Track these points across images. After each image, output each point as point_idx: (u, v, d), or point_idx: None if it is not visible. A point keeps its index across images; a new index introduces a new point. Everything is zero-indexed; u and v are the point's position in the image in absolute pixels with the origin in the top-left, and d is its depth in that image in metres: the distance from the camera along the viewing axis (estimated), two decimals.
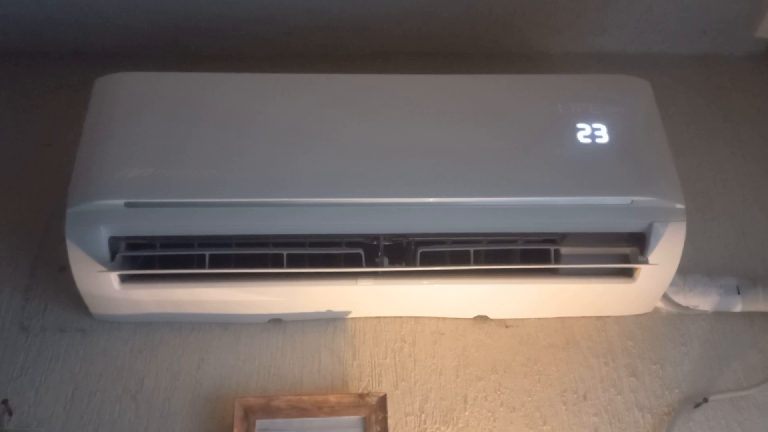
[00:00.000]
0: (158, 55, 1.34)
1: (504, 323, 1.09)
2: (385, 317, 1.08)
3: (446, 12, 1.33)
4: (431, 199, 0.96)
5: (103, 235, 0.94)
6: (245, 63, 1.14)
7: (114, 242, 0.95)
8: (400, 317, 1.09)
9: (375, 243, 0.98)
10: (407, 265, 0.98)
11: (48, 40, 1.34)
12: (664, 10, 1.36)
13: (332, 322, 1.07)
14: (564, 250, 1.00)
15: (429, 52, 1.38)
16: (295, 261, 0.97)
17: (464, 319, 1.09)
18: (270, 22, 1.33)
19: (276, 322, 1.07)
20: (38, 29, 1.32)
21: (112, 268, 0.95)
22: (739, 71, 1.42)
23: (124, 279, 0.98)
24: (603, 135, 1.02)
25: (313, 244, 0.98)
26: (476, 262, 0.99)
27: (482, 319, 1.09)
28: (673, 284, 1.06)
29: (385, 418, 0.96)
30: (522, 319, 1.09)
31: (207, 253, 0.96)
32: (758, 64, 1.44)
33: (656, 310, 1.11)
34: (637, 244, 0.99)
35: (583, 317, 1.10)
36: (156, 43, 1.34)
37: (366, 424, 0.96)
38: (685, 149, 1.18)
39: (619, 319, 1.10)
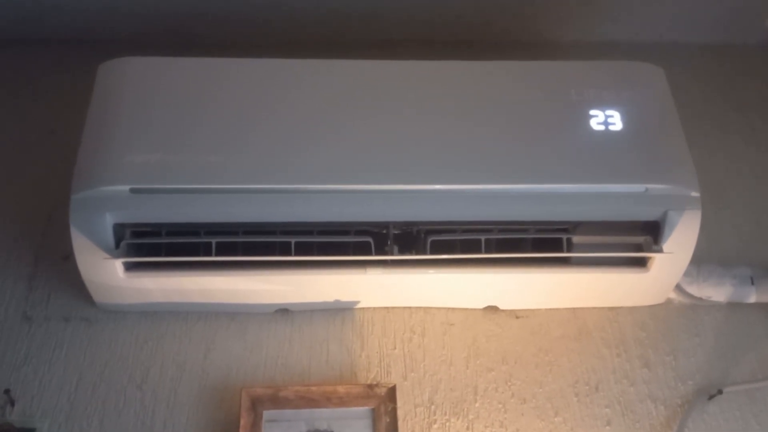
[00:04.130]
0: (163, 42, 1.30)
1: (515, 314, 1.07)
2: (394, 307, 1.07)
3: (454, 0, 1.32)
4: (442, 186, 0.95)
5: (108, 222, 0.92)
6: (251, 51, 1.12)
7: (119, 229, 0.94)
8: (409, 307, 1.07)
9: (384, 231, 0.97)
10: (417, 254, 0.97)
11: (51, 27, 1.33)
12: None
13: (340, 312, 1.06)
14: (576, 239, 0.98)
15: (438, 41, 1.36)
16: (303, 249, 0.95)
17: (474, 309, 1.07)
18: (277, 9, 1.31)
19: (283, 312, 1.05)
20: (41, 16, 1.31)
21: (116, 256, 0.93)
22: (752, 60, 1.41)
23: (129, 267, 0.97)
24: (616, 122, 1.00)
25: (321, 233, 0.96)
26: (487, 251, 0.97)
27: (492, 309, 1.07)
28: (686, 274, 1.05)
29: (394, 409, 0.94)
30: (533, 310, 1.08)
31: (213, 240, 0.94)
32: None
33: (669, 300, 1.09)
34: (651, 232, 0.98)
35: (595, 308, 1.08)
36: (161, 31, 1.32)
37: (375, 415, 0.95)
38: (697, 138, 1.16)
39: (631, 310, 1.08)
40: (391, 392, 0.95)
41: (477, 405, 0.99)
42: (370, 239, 0.96)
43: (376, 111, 1.00)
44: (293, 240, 0.95)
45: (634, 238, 0.99)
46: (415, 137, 0.97)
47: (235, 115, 0.98)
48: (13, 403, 0.95)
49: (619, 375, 1.03)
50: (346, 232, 0.96)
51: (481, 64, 1.06)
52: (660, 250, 0.97)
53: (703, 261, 1.09)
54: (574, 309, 1.08)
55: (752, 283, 1.08)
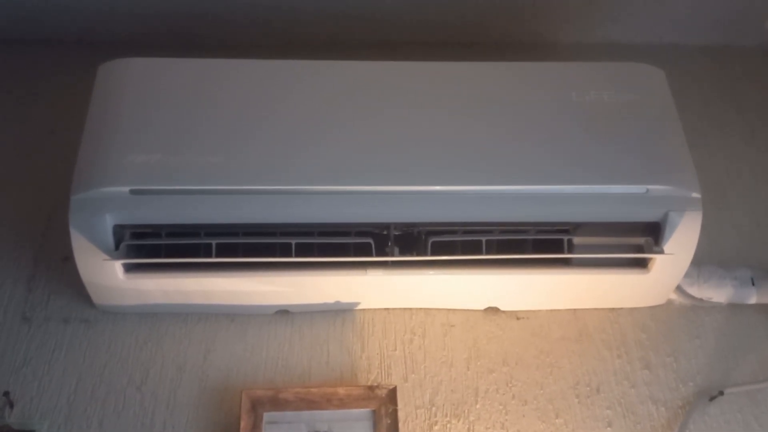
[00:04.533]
0: (163, 43, 1.31)
1: (515, 315, 1.07)
2: (394, 309, 1.07)
3: (455, 1, 1.31)
4: (442, 188, 0.94)
5: (108, 223, 0.92)
6: (251, 52, 1.12)
7: (119, 231, 0.93)
8: (410, 309, 1.07)
9: (385, 233, 0.96)
10: (418, 255, 0.96)
11: (51, 27, 1.32)
12: (676, 0, 1.34)
13: (341, 313, 1.06)
14: (577, 240, 0.98)
15: (437, 42, 1.36)
16: (304, 251, 0.95)
17: (475, 310, 1.07)
18: (277, 10, 1.31)
19: (283, 313, 1.05)
20: (41, 16, 1.30)
21: (116, 257, 0.93)
22: (751, 63, 1.41)
23: (129, 268, 0.96)
24: (617, 123, 1.00)
25: (322, 234, 0.96)
26: (488, 253, 0.97)
27: (493, 310, 1.07)
28: (687, 276, 1.04)
29: (395, 411, 0.94)
30: (534, 311, 1.08)
31: (214, 242, 0.94)
32: None
33: (670, 302, 1.09)
34: (652, 234, 0.98)
35: (596, 309, 1.08)
36: (161, 31, 1.32)
37: (376, 416, 0.94)
38: (697, 140, 1.16)
39: (632, 311, 1.08)
40: (392, 394, 0.95)
41: (478, 406, 0.99)
42: (370, 240, 0.95)
43: (376, 112, 1.00)
44: (293, 241, 0.94)
45: (635, 240, 0.99)
46: (415, 138, 0.97)
47: (235, 116, 0.97)
48: (12, 405, 0.95)
49: (620, 376, 1.02)
50: (346, 233, 0.96)
51: (481, 65, 1.06)
52: (661, 251, 0.97)
53: (703, 262, 1.08)
54: (574, 310, 1.08)
55: (753, 284, 1.08)
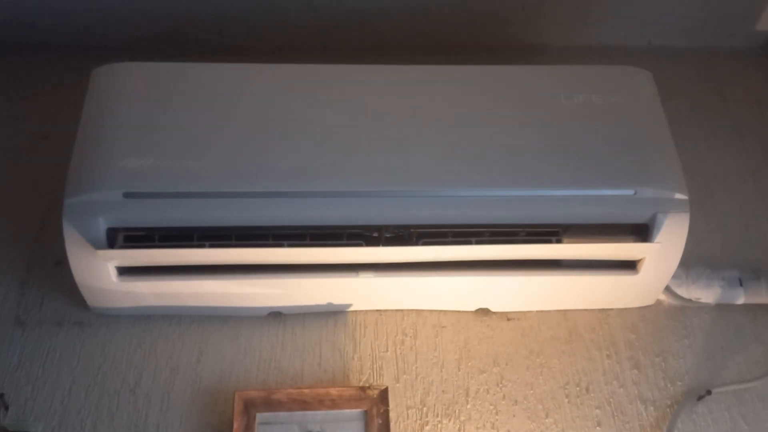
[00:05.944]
0: (155, 48, 1.32)
1: (506, 316, 1.08)
2: (386, 310, 1.07)
3: (445, 5, 1.32)
4: (433, 189, 0.95)
5: (102, 226, 0.92)
6: (242, 56, 1.13)
7: (112, 234, 0.94)
8: (401, 310, 1.08)
9: (376, 235, 0.97)
10: (408, 255, 0.97)
11: (44, 32, 1.33)
12: (665, 2, 1.35)
13: (333, 315, 1.06)
14: (566, 241, 0.99)
15: (427, 46, 1.37)
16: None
17: (466, 312, 1.08)
18: (268, 15, 1.32)
19: (276, 315, 1.06)
20: (33, 21, 1.31)
21: (110, 257, 0.93)
22: (739, 64, 1.42)
23: (123, 272, 0.97)
24: (605, 125, 1.01)
25: (314, 237, 0.97)
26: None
27: (484, 312, 1.08)
28: (675, 277, 1.05)
29: (386, 411, 0.95)
30: (524, 312, 1.09)
31: (207, 244, 0.94)
32: (759, 57, 1.43)
33: (658, 302, 1.10)
34: (640, 235, 0.99)
35: (586, 310, 1.09)
36: (154, 36, 1.33)
37: (368, 417, 0.95)
38: (685, 142, 1.18)
39: (621, 312, 1.09)
40: (384, 394, 0.96)
41: (469, 407, 1.00)
42: (362, 243, 0.96)
43: (368, 115, 1.00)
44: (286, 243, 0.95)
45: (624, 240, 1.00)
46: (406, 141, 0.98)
47: (228, 120, 0.98)
48: (6, 408, 0.95)
49: (610, 376, 1.03)
50: (339, 236, 0.97)
51: (470, 68, 1.07)
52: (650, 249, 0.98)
53: (691, 263, 1.09)
54: (564, 311, 1.09)
55: (741, 285, 1.09)
